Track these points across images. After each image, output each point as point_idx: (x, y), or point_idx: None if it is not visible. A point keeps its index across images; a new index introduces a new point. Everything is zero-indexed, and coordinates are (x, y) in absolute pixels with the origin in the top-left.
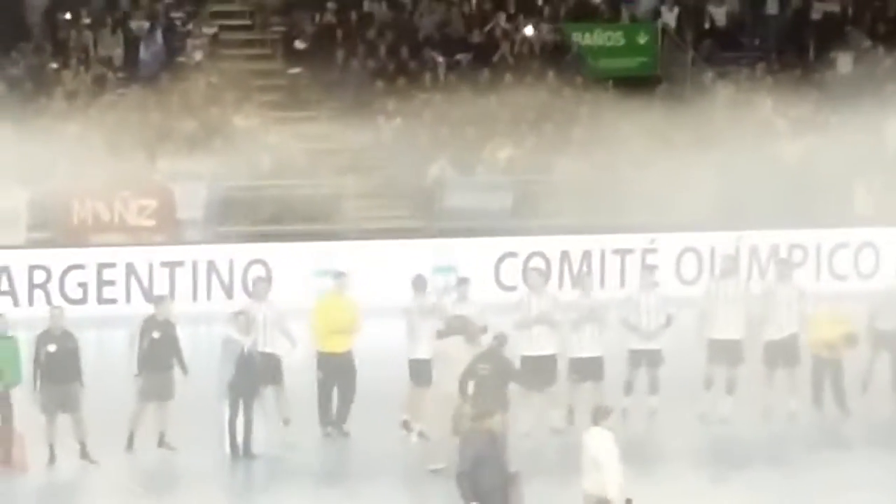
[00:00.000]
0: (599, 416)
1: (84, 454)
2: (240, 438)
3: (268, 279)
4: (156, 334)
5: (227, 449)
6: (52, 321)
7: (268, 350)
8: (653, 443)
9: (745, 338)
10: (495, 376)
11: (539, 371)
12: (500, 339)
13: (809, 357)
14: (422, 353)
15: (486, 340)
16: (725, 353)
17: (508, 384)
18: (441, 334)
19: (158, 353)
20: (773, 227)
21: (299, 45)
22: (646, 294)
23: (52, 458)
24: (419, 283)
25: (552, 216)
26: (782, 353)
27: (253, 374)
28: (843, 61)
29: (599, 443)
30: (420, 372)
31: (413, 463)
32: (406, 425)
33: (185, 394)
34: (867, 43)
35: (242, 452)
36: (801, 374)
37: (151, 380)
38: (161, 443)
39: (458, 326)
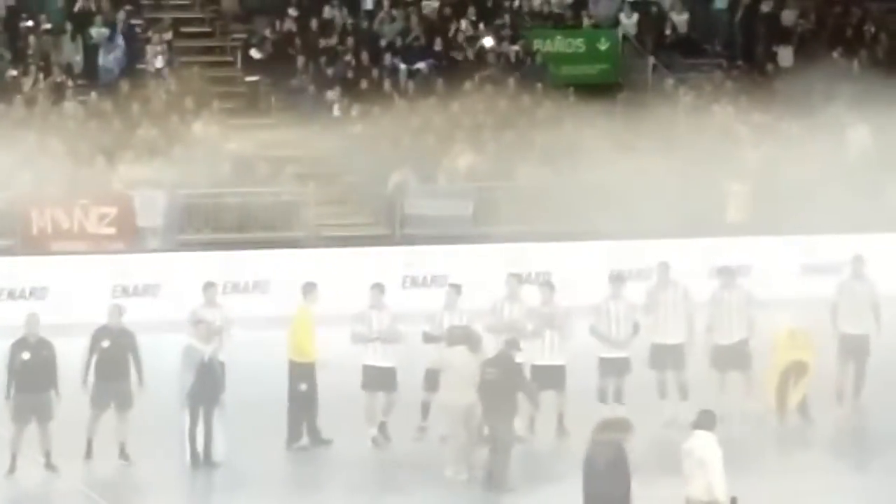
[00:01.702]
0: (705, 420)
1: (49, 464)
2: (200, 447)
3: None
4: (105, 343)
5: (188, 457)
6: (27, 329)
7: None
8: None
9: (686, 342)
10: (503, 380)
11: None
12: (512, 344)
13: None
14: (375, 359)
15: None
16: (668, 357)
17: (516, 389)
18: (427, 338)
19: (108, 362)
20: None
21: (256, 54)
22: (615, 302)
23: (12, 468)
24: (377, 292)
25: (514, 223)
26: (733, 358)
27: (213, 383)
28: (784, 54)
29: (706, 446)
30: (372, 378)
31: (376, 471)
32: (375, 441)
33: (145, 402)
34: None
35: (203, 461)
36: (753, 377)
37: (103, 388)
38: (121, 454)
39: (460, 336)
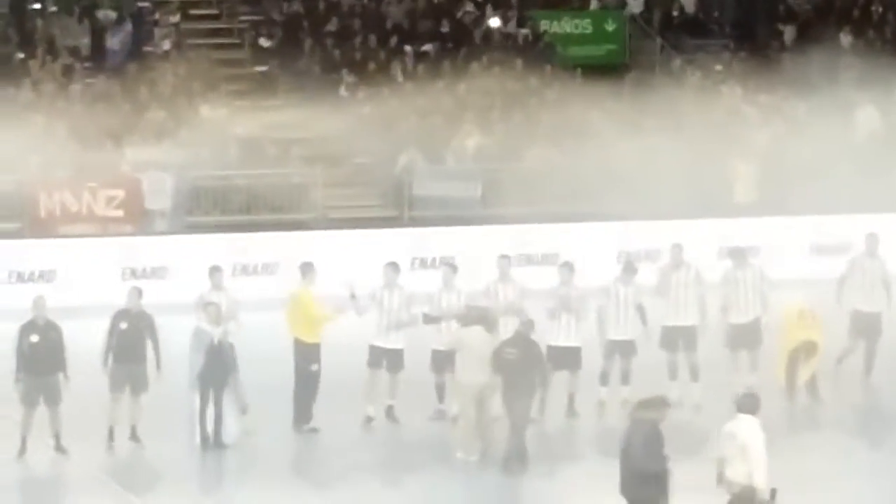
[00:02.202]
0: (748, 404)
1: (58, 447)
2: (210, 429)
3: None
4: (123, 325)
5: (198, 439)
6: (34, 311)
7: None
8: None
9: (699, 324)
10: (522, 361)
11: None
12: (528, 325)
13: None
14: (383, 340)
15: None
16: (680, 339)
17: (535, 369)
18: (427, 319)
19: (125, 345)
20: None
21: (265, 42)
22: (623, 286)
23: (23, 450)
24: (391, 271)
25: (522, 204)
26: (746, 336)
27: (223, 365)
28: (791, 34)
29: (748, 430)
30: (378, 358)
31: (385, 452)
32: (369, 420)
33: (155, 384)
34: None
35: (213, 443)
36: (762, 353)
37: (119, 371)
38: (132, 436)
39: (477, 316)
